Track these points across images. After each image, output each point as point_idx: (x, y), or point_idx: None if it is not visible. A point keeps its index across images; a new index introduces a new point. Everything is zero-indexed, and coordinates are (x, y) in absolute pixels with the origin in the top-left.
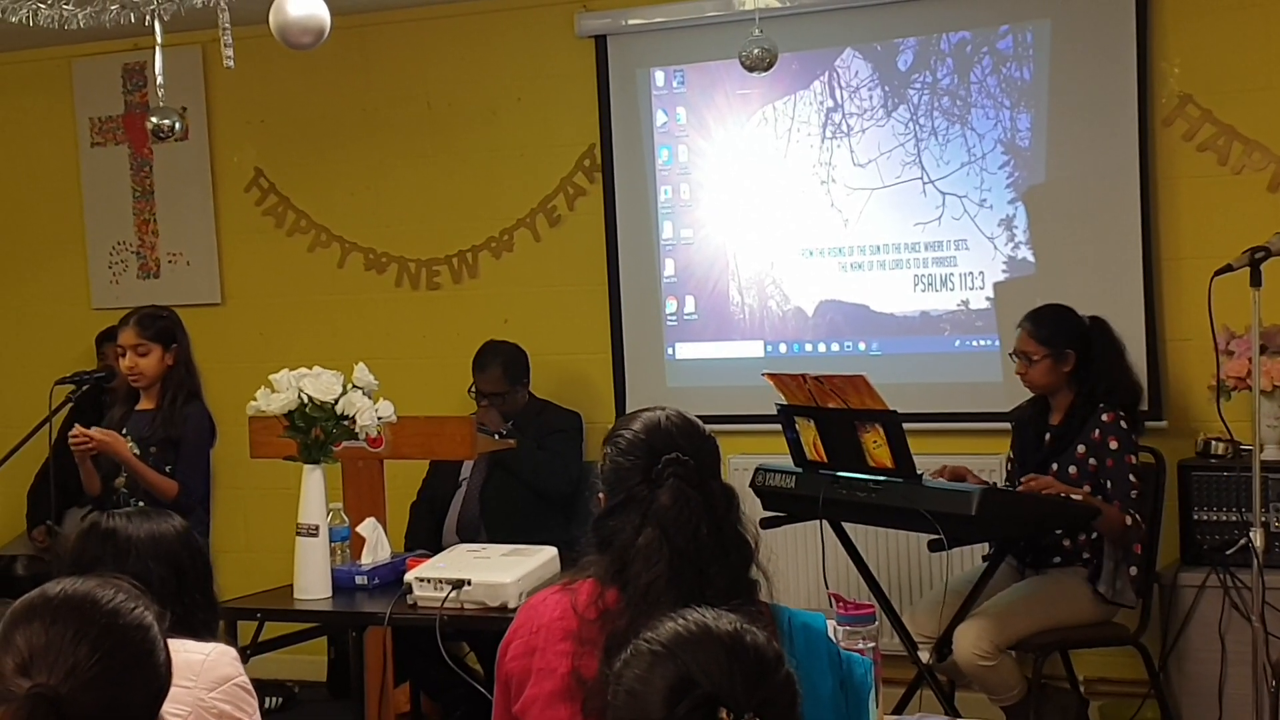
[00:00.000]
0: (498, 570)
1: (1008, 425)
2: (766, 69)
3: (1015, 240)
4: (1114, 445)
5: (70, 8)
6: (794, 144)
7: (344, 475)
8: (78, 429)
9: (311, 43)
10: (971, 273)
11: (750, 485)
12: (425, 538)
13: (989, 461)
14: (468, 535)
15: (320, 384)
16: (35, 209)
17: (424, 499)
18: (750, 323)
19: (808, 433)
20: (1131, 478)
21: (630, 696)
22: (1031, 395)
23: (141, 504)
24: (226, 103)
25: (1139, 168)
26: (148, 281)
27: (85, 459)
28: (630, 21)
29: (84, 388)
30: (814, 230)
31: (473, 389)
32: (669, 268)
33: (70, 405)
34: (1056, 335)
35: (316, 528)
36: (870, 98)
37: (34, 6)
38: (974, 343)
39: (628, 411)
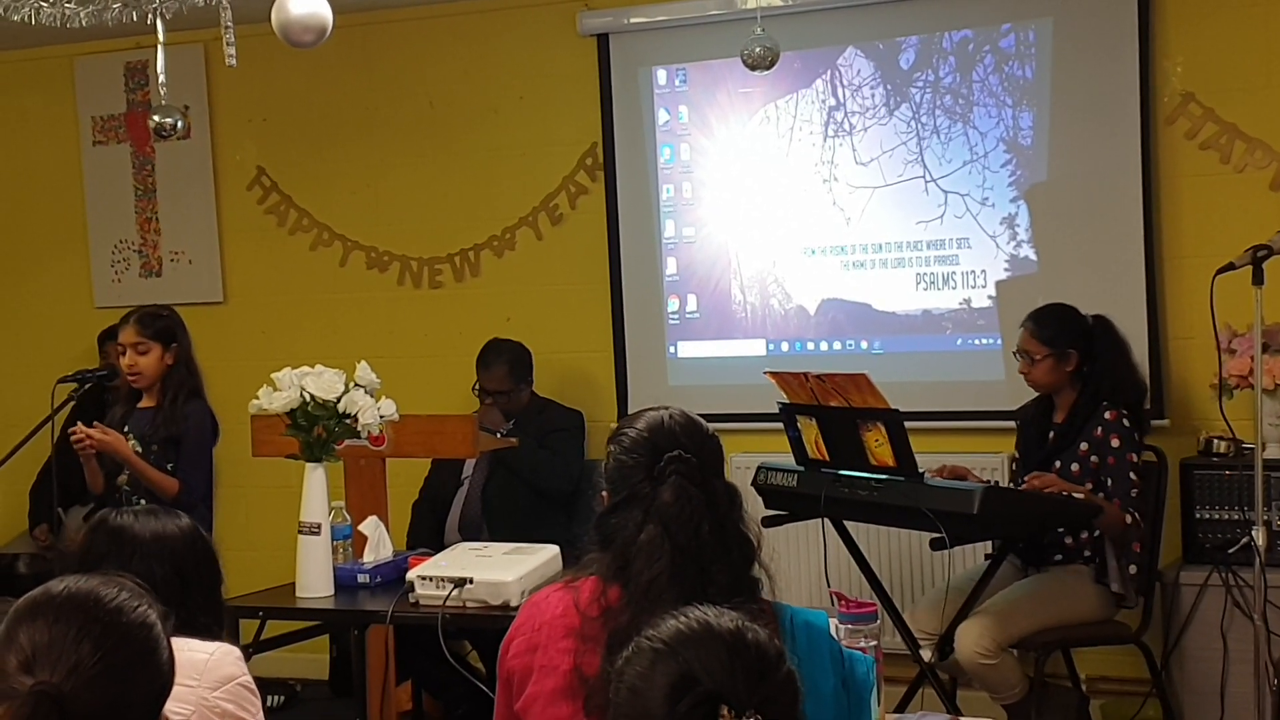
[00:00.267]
0: (500, 568)
1: (1010, 424)
2: (768, 67)
3: (1017, 239)
4: (1115, 443)
5: (72, 6)
6: (796, 142)
7: (346, 473)
8: (78, 428)
9: (313, 41)
10: (973, 271)
11: (752, 484)
12: (427, 536)
13: (991, 460)
14: (470, 533)
15: (322, 382)
16: (37, 207)
17: (426, 497)
18: (752, 321)
19: (809, 431)
20: (1132, 476)
21: (632, 694)
22: (1036, 394)
23: (144, 502)
24: (229, 101)
25: (1141, 166)
26: (150, 280)
27: (89, 457)
28: (632, 20)
29: (86, 386)
30: (816, 229)
31: (477, 387)
32: (671, 266)
33: (72, 404)
34: (1059, 335)
35: (319, 526)
36: (872, 96)
37: (36, 5)
38: (976, 341)
39: (630, 410)
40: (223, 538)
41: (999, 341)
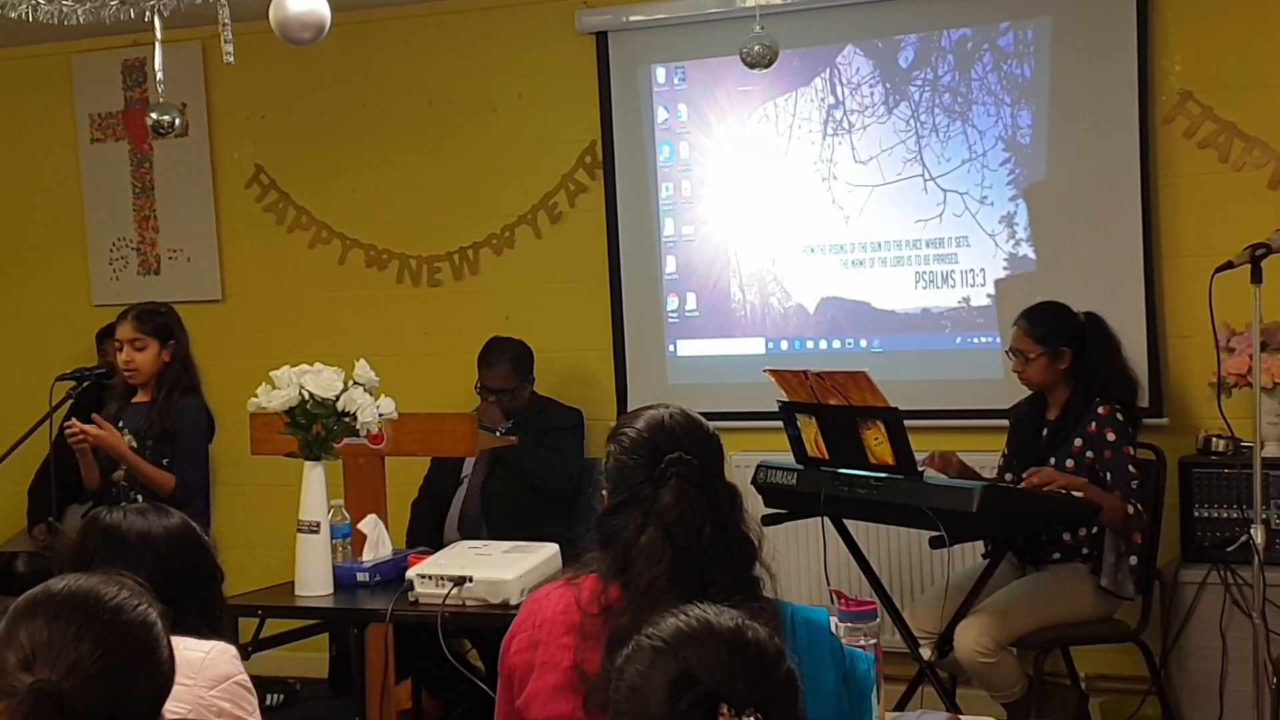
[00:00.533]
0: (499, 567)
1: (1008, 421)
2: (767, 66)
3: (1016, 237)
4: (1111, 437)
5: (70, 3)
6: (795, 141)
7: (345, 472)
8: (73, 423)
9: (312, 38)
10: (972, 270)
11: (751, 482)
12: (426, 534)
13: (990, 458)
14: (469, 532)
15: (321, 381)
16: (35, 205)
17: (425, 496)
18: (751, 320)
19: (809, 429)
20: (1131, 468)
21: (632, 692)
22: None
23: (141, 498)
24: (227, 99)
25: (1140, 165)
26: (148, 278)
27: (85, 452)
28: (631, 18)
29: (84, 384)
30: (815, 227)
31: (479, 385)
32: (670, 264)
33: (70, 402)
34: (1053, 333)
35: (318, 524)
36: (871, 94)
37: (33, 2)
38: (975, 340)
39: (629, 409)
40: (222, 536)
41: (998, 340)
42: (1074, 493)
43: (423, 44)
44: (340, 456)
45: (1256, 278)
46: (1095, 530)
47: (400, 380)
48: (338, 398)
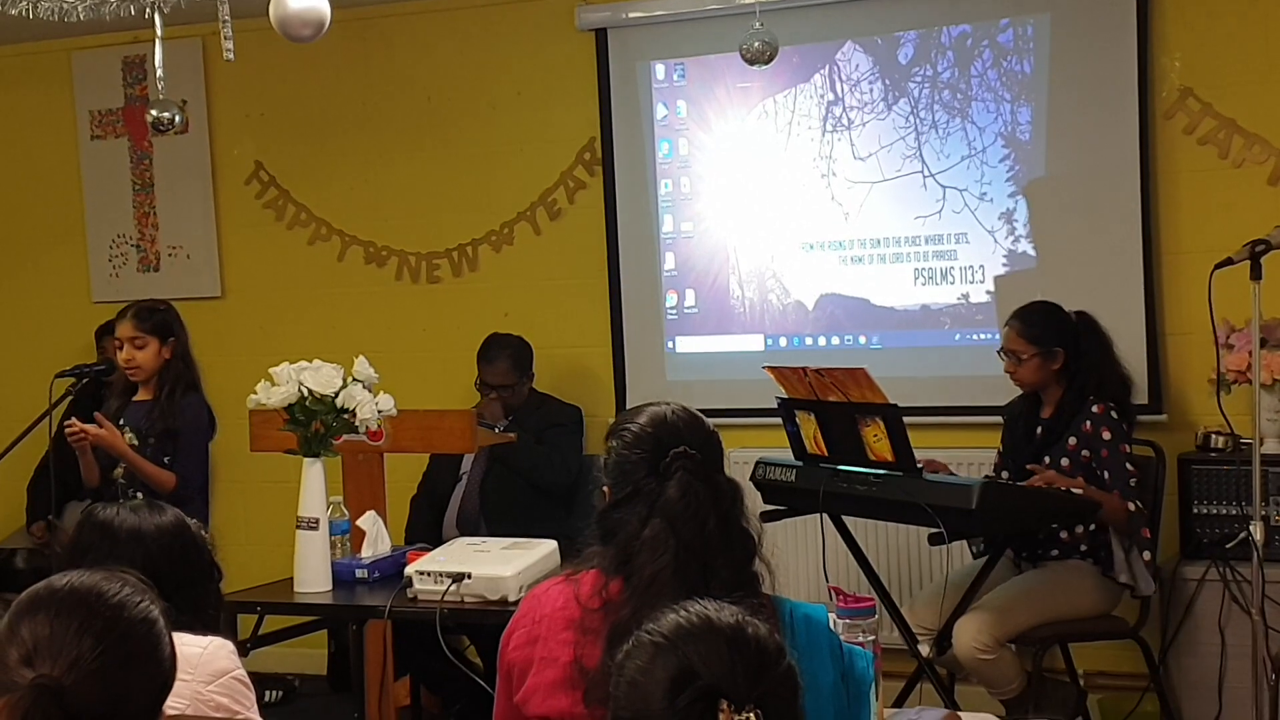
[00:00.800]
0: (498, 563)
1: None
2: (767, 62)
3: (1015, 234)
4: (1107, 435)
5: (70, 0)
6: (794, 137)
7: (344, 468)
8: (72, 421)
9: (311, 35)
10: (972, 266)
11: (750, 478)
12: (425, 531)
13: (989, 455)
14: (468, 528)
15: (320, 377)
16: (35, 202)
17: (424, 492)
18: (750, 316)
19: (808, 426)
20: (1129, 465)
21: (632, 687)
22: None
23: (140, 495)
24: (226, 95)
25: (1139, 161)
26: (148, 275)
27: (84, 450)
28: (630, 15)
29: (84, 381)
30: (814, 224)
31: (478, 381)
32: (669, 261)
33: (70, 399)
34: (1045, 333)
35: (316, 521)
36: (871, 91)
37: None
38: (974, 336)
39: (628, 405)
40: (221, 533)
41: (997, 336)
42: (1073, 490)
43: (422, 41)
44: (339, 453)
45: (1256, 274)
46: (1093, 527)
47: (399, 377)
48: (337, 394)
